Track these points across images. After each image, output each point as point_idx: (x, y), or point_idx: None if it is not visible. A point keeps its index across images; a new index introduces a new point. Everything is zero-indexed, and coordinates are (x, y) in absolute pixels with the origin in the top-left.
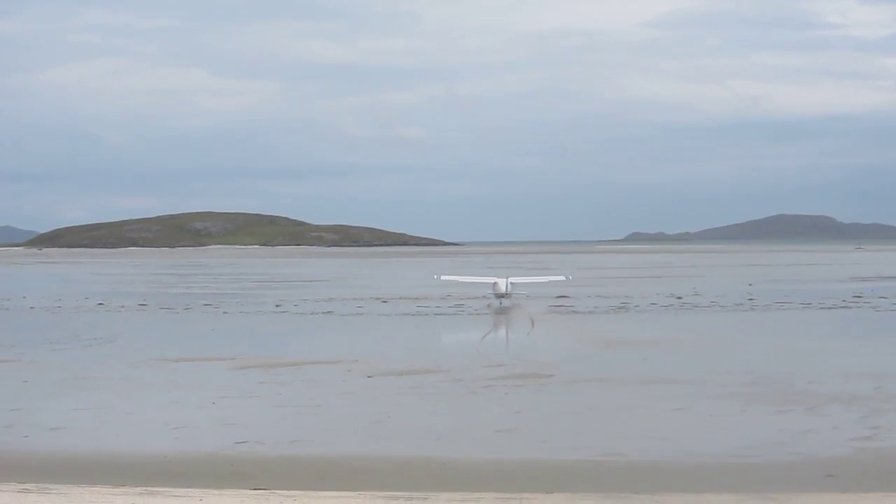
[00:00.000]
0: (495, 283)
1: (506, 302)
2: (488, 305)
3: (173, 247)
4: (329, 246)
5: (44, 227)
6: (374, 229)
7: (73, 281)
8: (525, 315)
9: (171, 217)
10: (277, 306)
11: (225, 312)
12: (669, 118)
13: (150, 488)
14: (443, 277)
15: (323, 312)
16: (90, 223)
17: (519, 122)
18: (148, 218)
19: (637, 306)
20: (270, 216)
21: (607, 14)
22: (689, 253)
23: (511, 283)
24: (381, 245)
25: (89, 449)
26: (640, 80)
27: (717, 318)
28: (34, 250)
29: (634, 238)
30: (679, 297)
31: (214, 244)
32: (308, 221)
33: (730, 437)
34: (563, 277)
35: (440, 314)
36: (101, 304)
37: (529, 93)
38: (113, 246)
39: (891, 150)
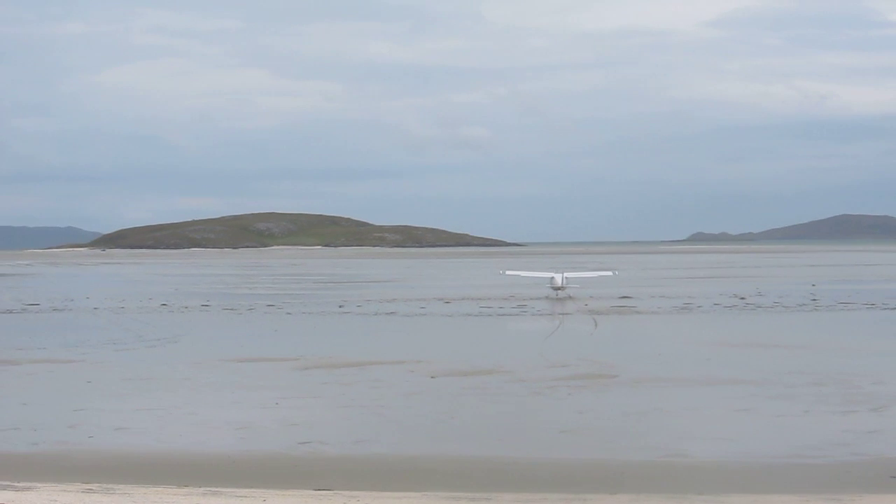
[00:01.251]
0: (552, 278)
1: (561, 294)
2: (546, 297)
3: (236, 247)
4: (391, 246)
5: (107, 228)
6: (436, 230)
7: (137, 282)
8: (588, 315)
9: (234, 218)
10: (340, 307)
11: (288, 313)
12: (732, 118)
13: (213, 488)
14: (507, 272)
15: (386, 313)
16: (153, 224)
17: (581, 121)
18: (211, 219)
19: (700, 306)
20: (333, 217)
21: (669, 14)
22: (752, 253)
23: (566, 277)
24: (444, 245)
25: (153, 449)
26: (702, 80)
27: (780, 319)
28: (98, 251)
29: (697, 238)
30: (742, 298)
31: (277, 245)
32: (370, 222)
33: (793, 438)
34: (610, 273)
35: (503, 315)
36: (164, 304)
37: (592, 92)
38: (176, 247)
39: None
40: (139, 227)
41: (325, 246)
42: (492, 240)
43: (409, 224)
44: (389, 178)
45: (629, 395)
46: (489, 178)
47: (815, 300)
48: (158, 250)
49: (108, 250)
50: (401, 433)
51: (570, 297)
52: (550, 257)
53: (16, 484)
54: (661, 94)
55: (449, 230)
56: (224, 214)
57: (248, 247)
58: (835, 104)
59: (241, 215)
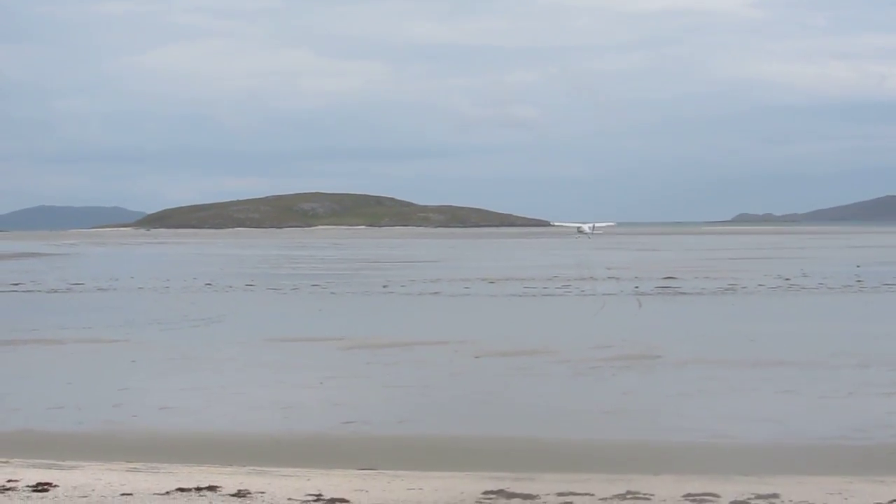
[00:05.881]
0: (578, 227)
1: (582, 237)
2: (576, 237)
3: (280, 227)
4: (435, 226)
5: (152, 208)
6: (480, 210)
7: (181, 261)
8: (632, 296)
9: (278, 198)
10: (384, 287)
11: (332, 293)
12: (776, 98)
13: (258, 468)
14: (555, 223)
15: (430, 293)
16: (197, 204)
17: (625, 101)
18: (255, 198)
19: (744, 288)
20: (377, 197)
21: None
22: (797, 234)
23: (588, 226)
24: (488, 226)
25: (197, 428)
26: (747, 60)
27: (824, 300)
28: (142, 231)
29: (742, 219)
30: (787, 279)
31: (321, 225)
32: (415, 202)
33: (838, 420)
34: (613, 223)
35: (547, 295)
36: (208, 284)
37: (636, 73)
38: (220, 226)
39: None
40: (183, 207)
41: (370, 226)
42: (536, 220)
43: (453, 204)
44: (434, 157)
45: (673, 376)
46: (535, 157)
47: (859, 281)
48: (202, 230)
49: (152, 230)
50: (445, 413)
51: (589, 238)
52: (593, 238)
53: (61, 463)
54: (705, 75)
55: (493, 210)
56: (268, 194)
57: (292, 227)
58: (879, 85)
59: (286, 195)
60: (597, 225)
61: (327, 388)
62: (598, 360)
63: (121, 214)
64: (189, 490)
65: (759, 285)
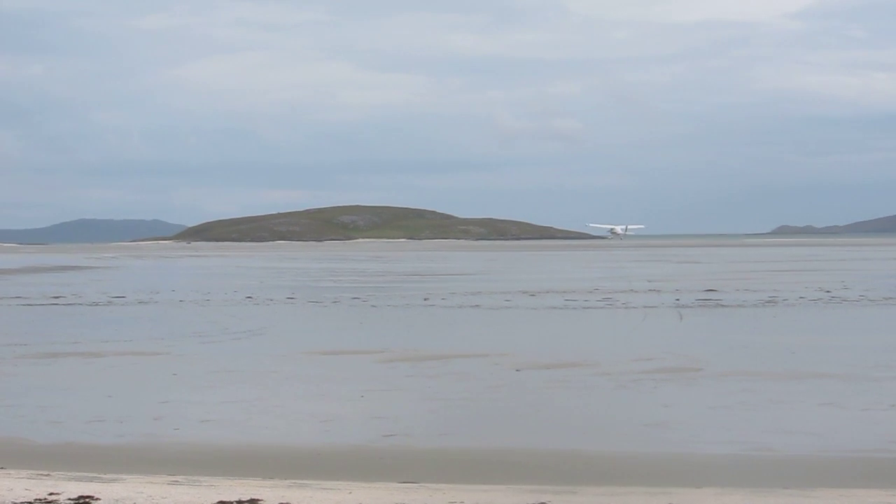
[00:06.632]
0: (612, 228)
1: (615, 238)
2: (607, 238)
3: (321, 240)
4: (476, 239)
5: (191, 221)
6: (520, 222)
7: (222, 274)
8: (673, 308)
9: (319, 211)
10: (425, 299)
11: (373, 306)
12: (817, 109)
13: (299, 481)
14: (590, 224)
15: (471, 306)
16: (237, 217)
17: (666, 113)
18: (295, 211)
19: (785, 300)
20: (418, 209)
21: (752, 6)
22: (838, 246)
23: (621, 228)
24: (529, 238)
25: (238, 441)
26: (787, 72)
27: (866, 312)
28: (183, 244)
29: (782, 231)
30: (828, 291)
31: (361, 237)
32: (455, 214)
33: (880, 432)
34: (642, 226)
35: (588, 307)
36: (249, 297)
37: (677, 84)
38: (260, 240)
39: None
40: (223, 220)
41: (410, 238)
42: (576, 232)
43: (493, 217)
44: (475, 170)
45: (714, 389)
46: (575, 170)
47: None
48: (243, 243)
49: (192, 243)
50: (485, 426)
51: (621, 238)
52: (633, 250)
53: (102, 476)
54: (746, 86)
55: (534, 223)
56: (309, 207)
57: (332, 239)
58: None
59: (326, 208)
60: (629, 227)
61: (368, 400)
62: (638, 373)
63: (161, 227)
64: (230, 503)
65: (800, 297)
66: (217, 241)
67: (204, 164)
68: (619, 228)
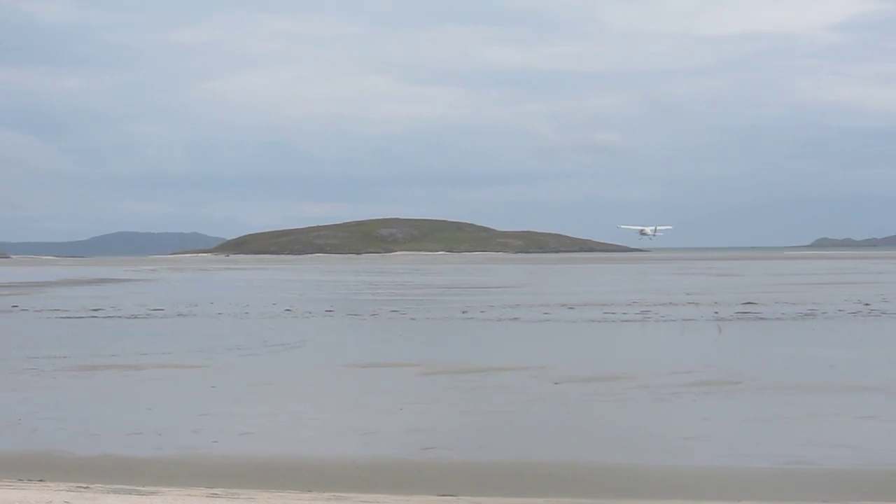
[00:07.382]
0: (642, 229)
1: (645, 238)
2: (639, 238)
3: (359, 253)
4: (514, 252)
5: (230, 234)
6: (559, 235)
7: (260, 287)
8: (712, 322)
9: (358, 224)
10: (464, 312)
11: (412, 319)
12: (856, 122)
13: (338, 493)
14: (622, 227)
15: (509, 319)
16: (276, 229)
17: (703, 127)
18: (334, 224)
19: (824, 313)
20: (457, 222)
21: (791, 18)
22: (877, 259)
23: (650, 229)
24: (566, 251)
25: (277, 454)
26: (826, 85)
27: None
28: (221, 256)
29: (821, 244)
30: (867, 304)
31: (400, 250)
32: (494, 227)
33: None
34: (670, 227)
35: (627, 321)
36: (288, 310)
37: (714, 98)
38: (299, 252)
39: None
40: (262, 233)
41: (448, 251)
42: (614, 245)
43: (532, 229)
44: (513, 183)
45: (753, 402)
46: (614, 182)
47: None
48: (282, 256)
49: (231, 256)
50: (524, 439)
51: (651, 239)
52: (671, 263)
53: (141, 488)
54: (785, 98)
55: (572, 235)
56: (347, 220)
57: (371, 252)
58: None
59: (365, 221)
60: (658, 228)
61: (407, 413)
62: (677, 386)
63: (200, 240)
64: None
65: (839, 310)
66: (255, 253)
67: (242, 177)
68: (648, 229)
